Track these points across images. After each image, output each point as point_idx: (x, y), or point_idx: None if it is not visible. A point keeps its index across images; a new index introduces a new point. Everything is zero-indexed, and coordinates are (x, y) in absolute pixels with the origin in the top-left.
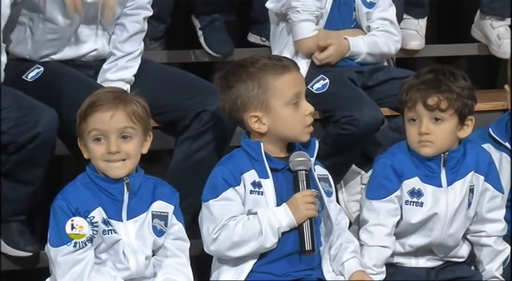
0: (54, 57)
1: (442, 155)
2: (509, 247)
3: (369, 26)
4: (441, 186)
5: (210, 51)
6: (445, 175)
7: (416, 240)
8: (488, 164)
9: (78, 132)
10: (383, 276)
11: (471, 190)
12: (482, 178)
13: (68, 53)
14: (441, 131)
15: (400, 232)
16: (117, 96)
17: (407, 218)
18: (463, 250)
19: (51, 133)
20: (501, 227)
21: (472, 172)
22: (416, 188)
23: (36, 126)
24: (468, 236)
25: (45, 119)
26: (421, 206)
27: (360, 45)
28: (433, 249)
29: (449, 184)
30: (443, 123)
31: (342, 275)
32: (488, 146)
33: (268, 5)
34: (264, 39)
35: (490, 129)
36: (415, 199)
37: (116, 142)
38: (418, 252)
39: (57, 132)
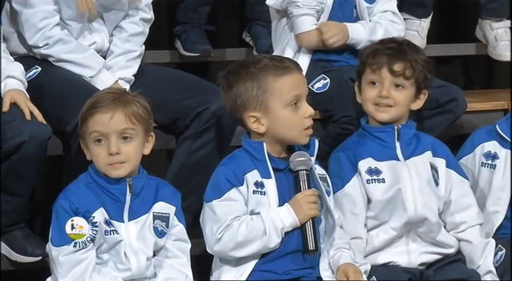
0: None
1: (396, 127)
2: (493, 240)
3: (370, 21)
4: (398, 159)
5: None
6: (399, 149)
7: (396, 221)
8: (447, 151)
9: (80, 134)
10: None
11: (434, 169)
12: (443, 161)
13: None
14: (400, 97)
15: (376, 215)
16: (117, 97)
17: (374, 196)
18: (449, 238)
19: (37, 146)
20: (475, 211)
21: (429, 152)
22: (373, 167)
23: (21, 134)
24: (452, 234)
25: (32, 130)
26: (384, 182)
27: (360, 31)
28: (417, 229)
29: (407, 158)
30: (403, 90)
31: (333, 271)
32: (494, 144)
33: (268, 2)
34: (249, 38)
35: (497, 126)
36: (374, 177)
37: (116, 143)
38: (407, 235)
39: (55, 132)
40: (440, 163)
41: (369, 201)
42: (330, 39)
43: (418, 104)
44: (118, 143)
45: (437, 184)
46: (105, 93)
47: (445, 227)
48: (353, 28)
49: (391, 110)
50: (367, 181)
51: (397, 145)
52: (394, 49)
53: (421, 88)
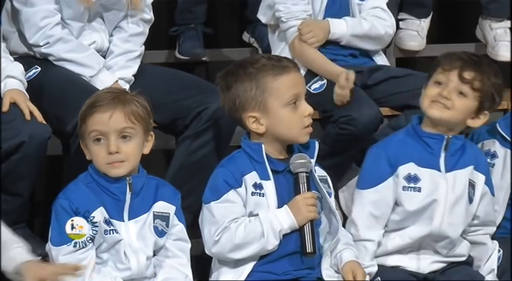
0: None
1: (446, 137)
2: (497, 243)
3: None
4: (440, 170)
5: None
6: (443, 159)
7: (416, 230)
8: (487, 170)
9: (80, 134)
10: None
11: (472, 185)
12: (483, 177)
13: None
14: (459, 103)
15: (400, 220)
16: (116, 97)
17: (406, 205)
18: (463, 249)
19: (37, 145)
20: (495, 226)
21: (472, 167)
22: (412, 174)
23: (20, 133)
24: (463, 236)
25: (31, 129)
26: (419, 191)
27: (341, 25)
28: (434, 243)
29: (448, 170)
30: (465, 99)
31: (337, 267)
32: (494, 142)
33: (260, 17)
34: (253, 39)
35: (497, 125)
36: (412, 185)
37: (115, 142)
38: (420, 246)
39: (54, 132)
40: (480, 179)
41: (397, 204)
42: (310, 39)
43: (476, 123)
44: (117, 142)
45: (471, 201)
46: (105, 93)
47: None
48: (334, 23)
49: (445, 111)
50: (403, 187)
51: (443, 154)
52: (471, 58)
53: (484, 107)
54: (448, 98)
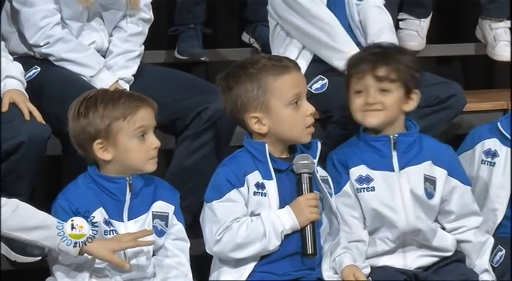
0: None
1: (391, 136)
2: (491, 238)
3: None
4: (393, 170)
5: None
6: (396, 158)
7: (388, 232)
8: (450, 158)
9: (103, 133)
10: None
11: (429, 180)
12: (444, 171)
13: None
14: (388, 101)
15: (370, 222)
16: (140, 95)
17: (365, 205)
18: (446, 242)
19: (36, 145)
20: (480, 220)
21: (430, 162)
22: (364, 175)
23: (20, 134)
24: (450, 234)
25: (31, 130)
26: (373, 191)
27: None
28: (414, 237)
29: (402, 167)
30: (390, 94)
31: (335, 270)
32: (494, 141)
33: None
34: (253, 40)
35: (498, 124)
36: (364, 185)
37: (156, 137)
38: (404, 243)
39: (54, 132)
40: (440, 173)
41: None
42: None
43: (411, 105)
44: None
45: (430, 196)
46: (126, 91)
47: (443, 228)
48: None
49: (379, 114)
50: (357, 189)
51: (394, 154)
52: (377, 54)
53: (410, 89)
54: (375, 103)
